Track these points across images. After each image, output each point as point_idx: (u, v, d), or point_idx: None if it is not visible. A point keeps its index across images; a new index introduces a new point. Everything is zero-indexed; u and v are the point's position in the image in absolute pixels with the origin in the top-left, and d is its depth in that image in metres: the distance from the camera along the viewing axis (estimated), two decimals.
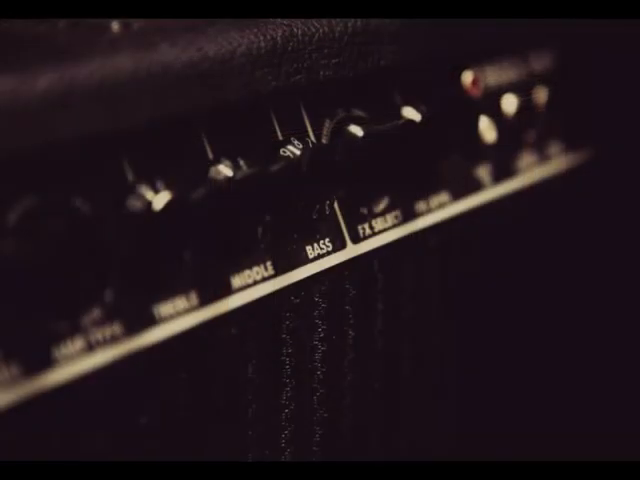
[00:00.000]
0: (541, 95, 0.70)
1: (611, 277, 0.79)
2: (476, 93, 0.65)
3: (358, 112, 0.58)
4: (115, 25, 0.53)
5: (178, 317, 0.49)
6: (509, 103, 0.68)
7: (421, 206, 0.62)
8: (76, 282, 0.45)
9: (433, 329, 0.65)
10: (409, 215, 0.61)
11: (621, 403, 0.81)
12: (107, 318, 0.46)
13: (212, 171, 0.51)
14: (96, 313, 0.46)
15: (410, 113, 0.59)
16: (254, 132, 0.53)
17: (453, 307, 0.66)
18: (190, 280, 0.50)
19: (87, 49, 0.48)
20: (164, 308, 0.49)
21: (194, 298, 0.50)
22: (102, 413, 0.47)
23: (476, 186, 0.65)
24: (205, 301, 0.50)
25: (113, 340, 0.46)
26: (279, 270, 0.54)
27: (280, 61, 0.53)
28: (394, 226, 0.60)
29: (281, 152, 0.54)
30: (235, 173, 0.51)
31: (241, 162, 0.52)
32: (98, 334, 0.46)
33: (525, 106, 0.68)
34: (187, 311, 0.49)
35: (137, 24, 0.53)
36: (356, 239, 0.58)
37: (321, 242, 0.56)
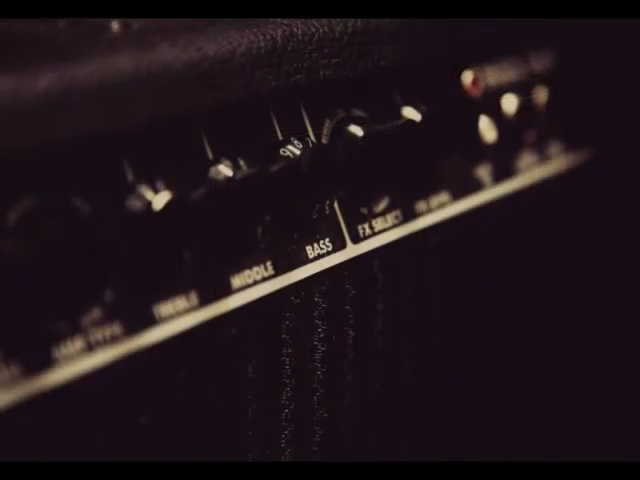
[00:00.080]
0: (541, 95, 0.70)
1: (611, 277, 0.79)
2: (476, 93, 0.65)
3: (358, 112, 0.58)
4: (115, 25, 0.53)
5: (178, 317, 0.49)
6: (509, 103, 0.68)
7: (421, 206, 0.61)
8: (76, 282, 0.45)
9: (433, 329, 0.65)
10: (409, 215, 0.61)
11: (621, 403, 0.81)
12: (107, 318, 0.46)
13: (212, 171, 0.51)
14: (96, 313, 0.46)
15: (410, 113, 0.59)
16: (254, 132, 0.53)
17: (453, 307, 0.66)
18: (190, 280, 0.50)
19: (87, 49, 0.48)
20: (164, 308, 0.49)
21: (194, 298, 0.50)
22: (102, 413, 0.47)
23: (476, 186, 0.65)
24: (205, 301, 0.50)
25: (113, 340, 0.46)
26: (279, 270, 0.54)
27: (280, 61, 0.53)
28: (394, 226, 0.60)
29: (281, 152, 0.54)
30: (235, 173, 0.51)
31: (241, 162, 0.52)
32: (98, 334, 0.46)
33: (525, 106, 0.68)
34: (187, 311, 0.49)
35: (137, 24, 0.53)
36: (356, 239, 0.58)
37: (321, 242, 0.56)
